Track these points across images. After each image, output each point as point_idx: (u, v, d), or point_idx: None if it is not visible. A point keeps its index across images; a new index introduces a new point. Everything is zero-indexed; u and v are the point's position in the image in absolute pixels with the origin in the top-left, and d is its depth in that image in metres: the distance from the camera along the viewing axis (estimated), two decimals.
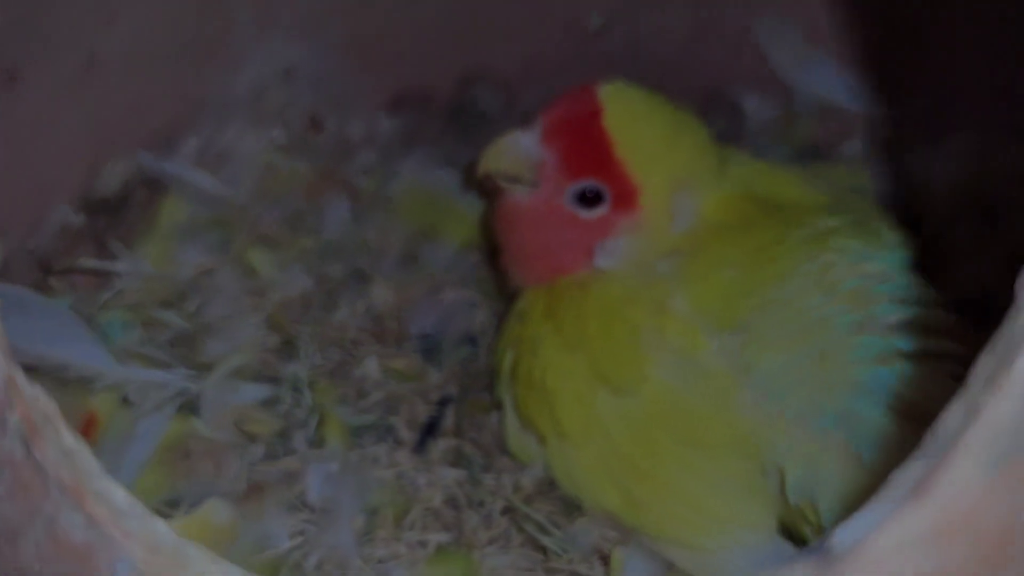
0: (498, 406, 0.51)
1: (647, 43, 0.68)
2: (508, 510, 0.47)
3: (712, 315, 0.45)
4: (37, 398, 0.25)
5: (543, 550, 0.45)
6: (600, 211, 0.48)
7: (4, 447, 0.25)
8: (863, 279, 0.44)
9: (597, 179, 0.47)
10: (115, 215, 0.54)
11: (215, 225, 0.57)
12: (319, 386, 0.51)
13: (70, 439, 0.25)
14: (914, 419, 0.40)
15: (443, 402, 0.52)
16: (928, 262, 0.51)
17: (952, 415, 0.26)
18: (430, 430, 0.51)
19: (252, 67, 0.60)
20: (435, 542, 0.45)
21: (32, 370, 0.45)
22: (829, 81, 0.67)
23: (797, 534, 0.42)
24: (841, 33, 0.66)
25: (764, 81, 0.67)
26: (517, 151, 0.49)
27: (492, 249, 0.56)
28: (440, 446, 0.50)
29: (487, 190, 0.53)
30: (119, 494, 0.24)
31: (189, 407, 0.48)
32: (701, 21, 0.68)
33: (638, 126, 0.48)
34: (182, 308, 0.52)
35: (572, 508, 0.47)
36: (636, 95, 0.49)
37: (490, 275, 0.58)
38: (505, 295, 0.55)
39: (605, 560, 0.45)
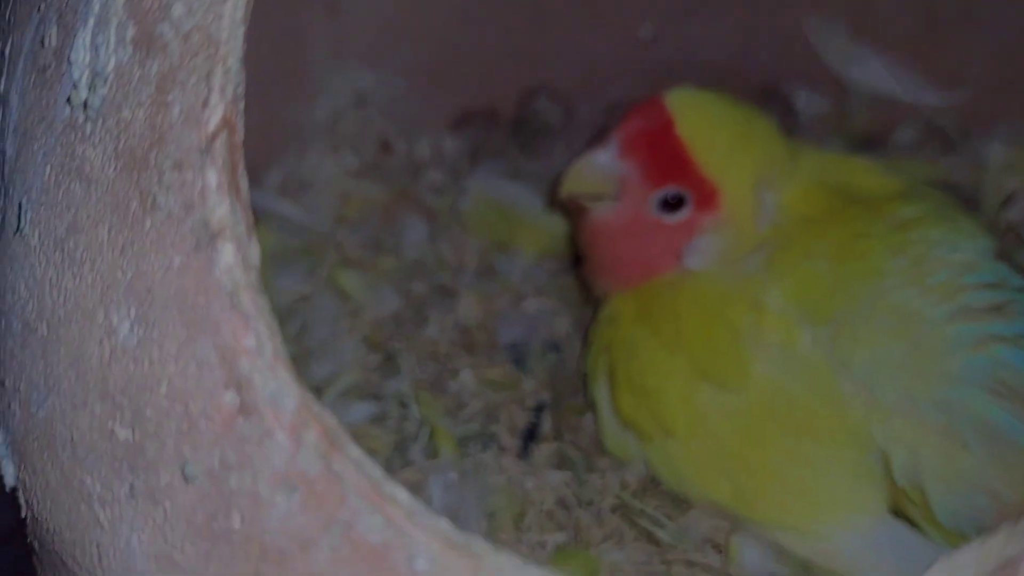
0: (592, 408, 0.53)
1: (698, 48, 0.70)
2: (617, 507, 0.49)
3: (806, 309, 0.46)
4: (328, 416, 0.28)
5: (656, 543, 0.47)
6: (683, 214, 0.50)
7: (299, 464, 0.27)
8: (953, 270, 0.46)
9: (678, 185, 0.49)
10: None
11: (303, 252, 0.59)
12: (423, 399, 0.53)
13: (357, 451, 0.27)
14: (1017, 401, 0.42)
15: (539, 408, 0.54)
16: None
17: None
18: (531, 435, 0.53)
19: (328, 96, 0.62)
20: (553, 542, 0.47)
21: None
22: (878, 73, 0.68)
23: (907, 516, 0.44)
24: (888, 24, 0.68)
25: (815, 77, 0.69)
26: (597, 170, 0.51)
27: (575, 259, 0.58)
28: (542, 450, 0.52)
29: (568, 210, 0.55)
30: (405, 496, 0.27)
31: None
32: (750, 23, 0.70)
33: (710, 129, 0.50)
34: (284, 334, 0.54)
35: (678, 502, 0.48)
36: (704, 99, 0.51)
37: (567, 283, 0.60)
38: (586, 303, 0.57)
39: (718, 549, 0.46)
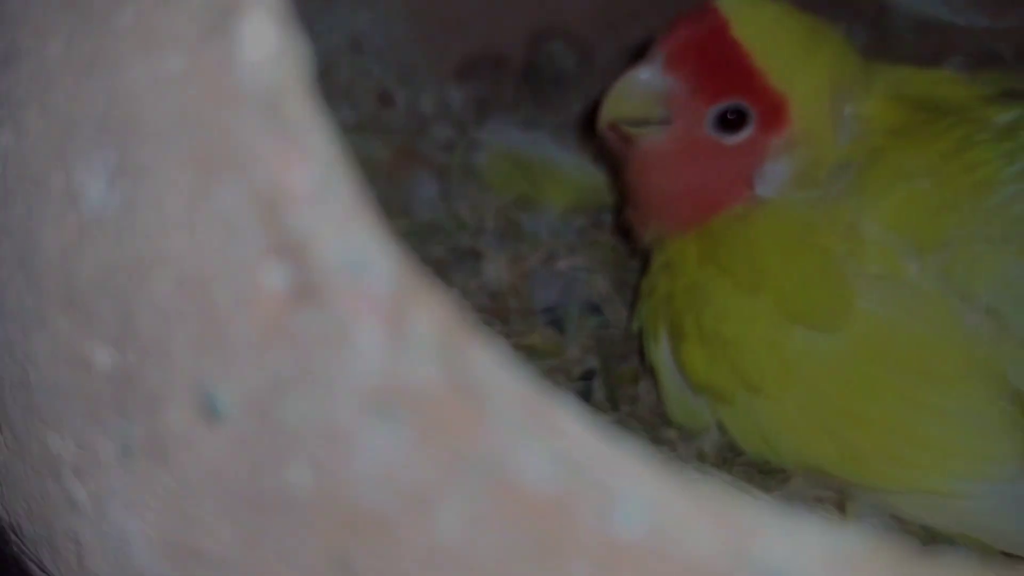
0: (650, 373, 0.47)
1: None
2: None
3: (911, 235, 0.40)
4: (444, 296, 0.19)
5: None
6: (747, 133, 0.43)
7: (403, 373, 0.17)
8: None
9: (737, 97, 0.43)
10: None
11: None
12: None
13: (496, 348, 0.18)
14: None
15: (588, 376, 0.48)
16: None
17: None
18: None
19: (318, 40, 0.55)
20: None
21: None
22: None
23: None
24: None
25: (856, 3, 0.63)
26: (640, 88, 0.44)
27: (615, 209, 0.52)
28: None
29: (611, 145, 0.48)
30: (583, 414, 0.18)
31: None
32: None
33: (773, 32, 0.44)
34: None
35: (768, 473, 0.42)
36: (762, 2, 0.45)
37: (602, 239, 0.54)
38: (622, 263, 0.52)
39: None
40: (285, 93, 0.18)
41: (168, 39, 0.18)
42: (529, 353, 0.48)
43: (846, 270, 0.40)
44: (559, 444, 0.17)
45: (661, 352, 0.45)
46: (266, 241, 0.18)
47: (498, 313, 0.50)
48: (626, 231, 0.51)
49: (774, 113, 0.43)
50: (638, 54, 0.63)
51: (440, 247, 0.53)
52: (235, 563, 0.16)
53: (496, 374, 0.18)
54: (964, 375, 0.39)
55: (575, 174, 0.56)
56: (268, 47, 0.18)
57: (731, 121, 0.43)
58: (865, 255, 0.40)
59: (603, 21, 0.64)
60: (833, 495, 0.40)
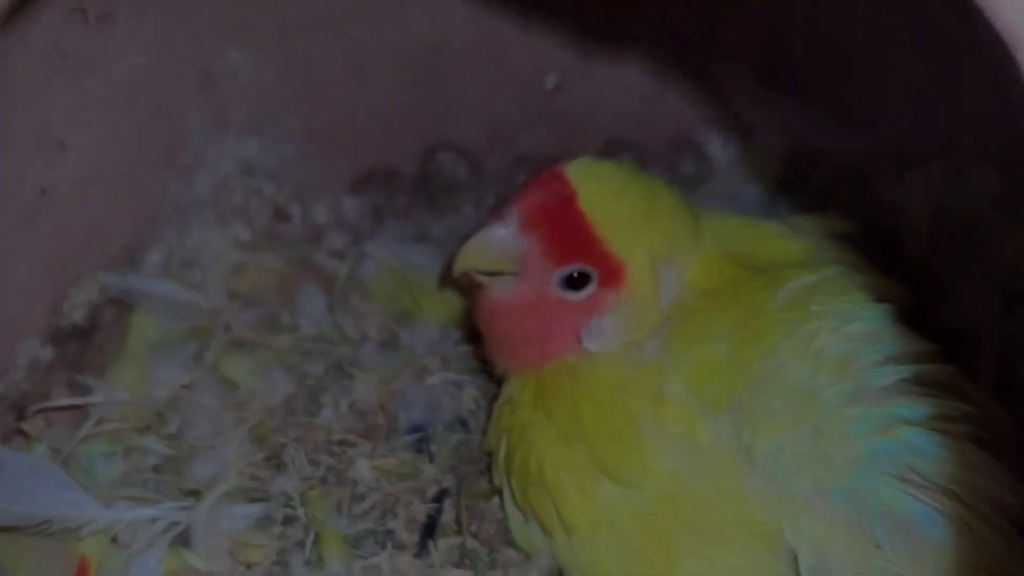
0: (498, 492, 0.50)
1: (605, 96, 0.67)
2: None
3: (706, 396, 0.44)
4: None
5: None
6: (588, 292, 0.47)
7: None
8: (848, 342, 0.43)
9: (583, 262, 0.47)
10: (85, 341, 0.53)
11: (188, 336, 0.55)
12: (310, 497, 0.49)
13: None
14: (927, 490, 0.40)
15: (439, 497, 0.51)
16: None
17: None
18: (430, 531, 0.50)
19: (209, 168, 0.58)
20: None
21: (15, 530, 0.43)
22: (790, 118, 0.66)
23: None
24: (800, 68, 0.65)
25: (727, 123, 0.67)
26: (496, 246, 0.47)
27: (474, 333, 0.55)
28: (442, 546, 0.49)
29: (464, 285, 0.51)
30: None
31: (181, 539, 0.46)
32: (658, 70, 0.67)
33: (614, 203, 0.47)
34: (162, 431, 0.51)
35: None
36: (606, 171, 0.48)
37: (475, 352, 0.57)
38: (492, 375, 0.54)
39: None
40: None
41: None
42: (387, 475, 0.52)
43: (649, 430, 0.44)
44: None
45: (503, 477, 0.49)
46: None
47: (364, 433, 0.53)
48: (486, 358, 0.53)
49: (613, 275, 0.46)
50: (518, 168, 0.67)
51: (318, 364, 0.56)
52: None
53: None
54: (745, 536, 0.42)
55: (453, 291, 0.58)
56: None
57: (575, 280, 0.47)
58: (667, 415, 0.44)
59: (491, 135, 0.67)
60: None
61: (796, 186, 0.68)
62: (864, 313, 0.44)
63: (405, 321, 0.59)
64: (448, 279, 0.55)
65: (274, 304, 0.59)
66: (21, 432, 0.49)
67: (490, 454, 0.51)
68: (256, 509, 0.48)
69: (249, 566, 0.46)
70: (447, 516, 0.50)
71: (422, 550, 0.49)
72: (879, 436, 0.41)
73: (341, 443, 0.53)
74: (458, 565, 0.48)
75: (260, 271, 0.59)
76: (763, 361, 0.43)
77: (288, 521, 0.48)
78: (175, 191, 0.57)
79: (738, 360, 0.44)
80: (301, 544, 0.47)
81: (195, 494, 0.48)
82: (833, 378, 0.42)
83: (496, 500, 0.51)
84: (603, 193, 0.47)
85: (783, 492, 0.42)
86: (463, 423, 0.55)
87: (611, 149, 0.67)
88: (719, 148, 0.69)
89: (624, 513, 0.44)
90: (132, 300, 0.55)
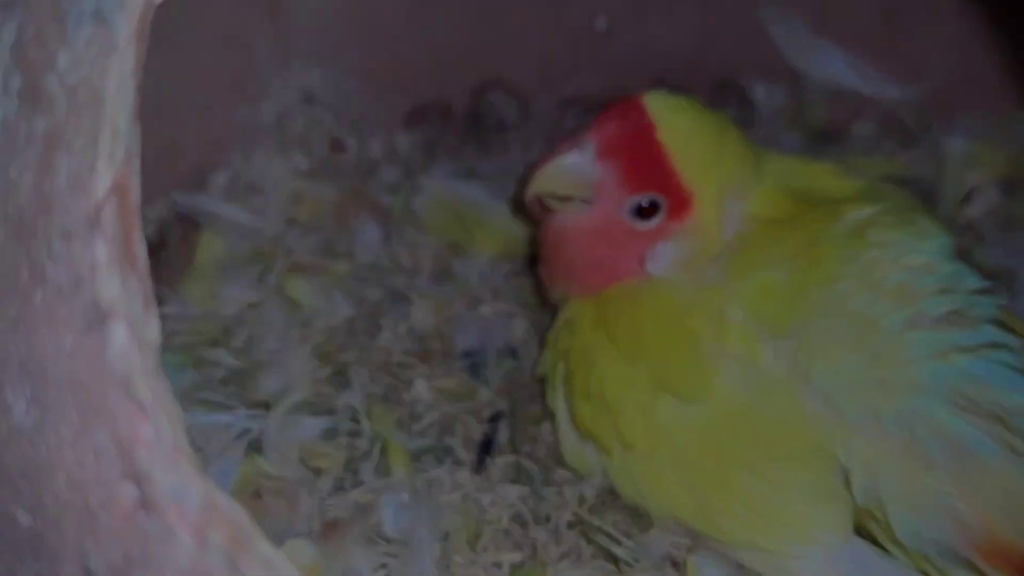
0: (550, 417, 0.52)
1: (654, 42, 0.69)
2: (575, 523, 0.48)
3: (766, 320, 0.45)
4: (236, 512, 0.26)
5: (615, 560, 0.46)
6: (656, 221, 0.48)
7: (205, 565, 0.25)
8: (907, 273, 0.45)
9: (655, 192, 0.48)
10: (155, 257, 0.54)
11: (253, 258, 0.57)
12: (375, 413, 0.51)
13: (268, 548, 0.26)
14: (978, 415, 0.41)
15: (495, 419, 0.53)
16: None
17: None
18: (486, 448, 0.51)
19: (273, 97, 0.60)
20: (509, 562, 0.46)
21: None
22: (837, 65, 0.67)
23: (871, 536, 0.43)
24: (847, 16, 0.66)
25: (773, 69, 0.68)
26: (572, 172, 0.49)
27: (531, 260, 0.57)
28: (498, 463, 0.51)
29: (531, 210, 0.53)
30: None
31: (253, 447, 0.48)
32: (707, 16, 0.68)
33: (690, 136, 0.49)
34: (231, 345, 0.53)
35: (638, 517, 0.48)
36: (682, 105, 0.50)
37: (525, 285, 0.59)
38: (544, 306, 0.56)
39: (677, 567, 0.46)
40: (137, 375, 0.26)
41: (65, 322, 0.26)
42: (444, 395, 0.54)
43: (711, 351, 0.45)
44: None
45: (558, 400, 0.51)
46: (123, 468, 0.25)
47: (422, 356, 0.55)
48: (541, 282, 0.55)
49: (681, 207, 0.48)
50: (565, 110, 0.68)
51: (376, 289, 0.58)
52: None
53: (262, 570, 0.25)
54: (799, 453, 0.44)
55: (504, 224, 0.60)
56: (128, 344, 0.25)
57: (646, 210, 0.48)
58: (728, 338, 0.45)
59: (541, 76, 0.69)
60: (687, 542, 0.46)
61: (838, 135, 0.69)
62: (921, 244, 0.46)
63: (458, 253, 0.60)
64: (518, 202, 0.56)
65: (331, 232, 0.60)
66: None
67: (542, 380, 0.52)
68: (323, 421, 0.50)
69: (319, 472, 0.48)
70: (502, 438, 0.52)
71: (479, 466, 0.50)
72: (935, 361, 0.43)
73: (400, 365, 0.55)
74: (514, 482, 0.50)
75: (317, 200, 0.61)
76: (822, 288, 0.45)
77: (353, 434, 0.50)
78: (242, 116, 0.58)
79: (797, 287, 0.45)
80: (367, 455, 0.49)
81: (263, 406, 0.50)
82: (892, 306, 0.44)
83: (546, 425, 0.52)
84: (680, 127, 0.48)
85: (838, 415, 0.43)
86: (513, 352, 0.56)
87: None
88: (763, 94, 0.70)
89: (682, 428, 0.46)
90: (200, 220, 0.56)
